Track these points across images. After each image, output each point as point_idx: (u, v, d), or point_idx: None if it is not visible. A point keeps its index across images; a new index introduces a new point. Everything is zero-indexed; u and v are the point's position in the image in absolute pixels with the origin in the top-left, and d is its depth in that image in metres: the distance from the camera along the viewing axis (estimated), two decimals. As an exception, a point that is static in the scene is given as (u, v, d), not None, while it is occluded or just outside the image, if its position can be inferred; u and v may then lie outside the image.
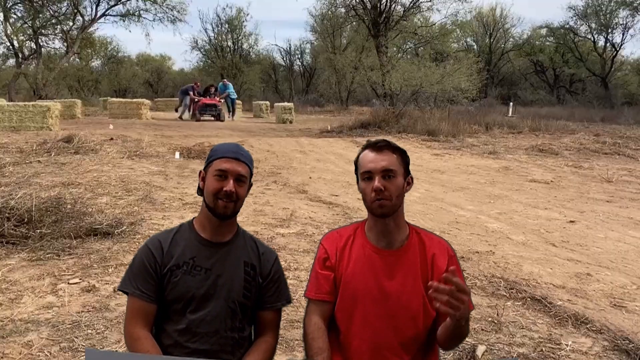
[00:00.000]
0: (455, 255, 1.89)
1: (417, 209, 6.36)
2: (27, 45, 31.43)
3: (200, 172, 1.90)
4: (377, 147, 1.84)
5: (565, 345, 3.03)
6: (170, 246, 1.83)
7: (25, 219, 4.60)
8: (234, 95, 22.84)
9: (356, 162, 1.89)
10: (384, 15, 23.52)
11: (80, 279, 3.76)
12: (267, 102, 26.73)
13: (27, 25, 30.20)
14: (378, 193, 1.78)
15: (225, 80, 23.62)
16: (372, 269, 1.84)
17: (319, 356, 1.77)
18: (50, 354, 2.74)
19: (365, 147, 1.88)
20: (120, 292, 1.92)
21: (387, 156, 1.82)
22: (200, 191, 1.94)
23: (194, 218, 1.94)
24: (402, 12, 25.16)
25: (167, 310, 1.81)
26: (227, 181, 1.80)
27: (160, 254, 1.81)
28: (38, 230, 4.50)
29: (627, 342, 3.05)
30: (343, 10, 28.62)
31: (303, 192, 7.30)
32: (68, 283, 3.69)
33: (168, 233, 1.89)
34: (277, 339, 1.94)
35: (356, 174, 1.89)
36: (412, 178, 1.89)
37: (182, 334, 1.78)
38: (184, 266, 1.80)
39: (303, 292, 3.52)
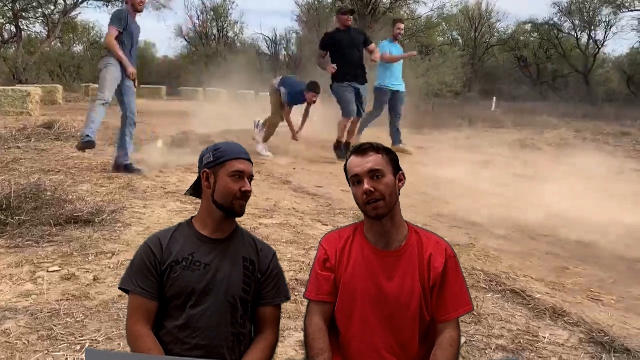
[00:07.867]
0: (454, 255, 1.90)
1: (400, 200, 6.38)
2: (6, 28, 30.86)
3: (204, 171, 1.90)
4: (360, 150, 1.87)
5: (543, 337, 3.08)
6: (169, 243, 1.86)
7: (4, 206, 4.52)
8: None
9: (345, 170, 1.91)
10: (370, 6, 23.47)
11: (59, 267, 3.70)
12: (252, 91, 26.49)
13: (7, 7, 29.58)
14: (368, 195, 1.79)
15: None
16: (370, 270, 1.85)
17: (319, 357, 1.78)
18: (28, 342, 2.71)
19: (350, 154, 1.91)
20: (116, 288, 1.92)
21: (371, 157, 1.84)
22: (194, 191, 1.96)
23: (192, 217, 1.96)
24: (388, 4, 25.14)
25: (167, 307, 1.82)
26: (244, 181, 1.87)
27: (159, 250, 1.84)
28: (17, 217, 4.42)
29: (603, 334, 3.11)
30: (329, 0, 28.56)
31: (287, 183, 7.27)
32: (47, 271, 3.63)
33: (167, 231, 1.92)
34: (277, 337, 1.94)
35: (347, 181, 1.91)
36: (403, 174, 1.91)
37: (182, 330, 1.79)
38: (183, 262, 1.83)
39: (286, 281, 3.54)
